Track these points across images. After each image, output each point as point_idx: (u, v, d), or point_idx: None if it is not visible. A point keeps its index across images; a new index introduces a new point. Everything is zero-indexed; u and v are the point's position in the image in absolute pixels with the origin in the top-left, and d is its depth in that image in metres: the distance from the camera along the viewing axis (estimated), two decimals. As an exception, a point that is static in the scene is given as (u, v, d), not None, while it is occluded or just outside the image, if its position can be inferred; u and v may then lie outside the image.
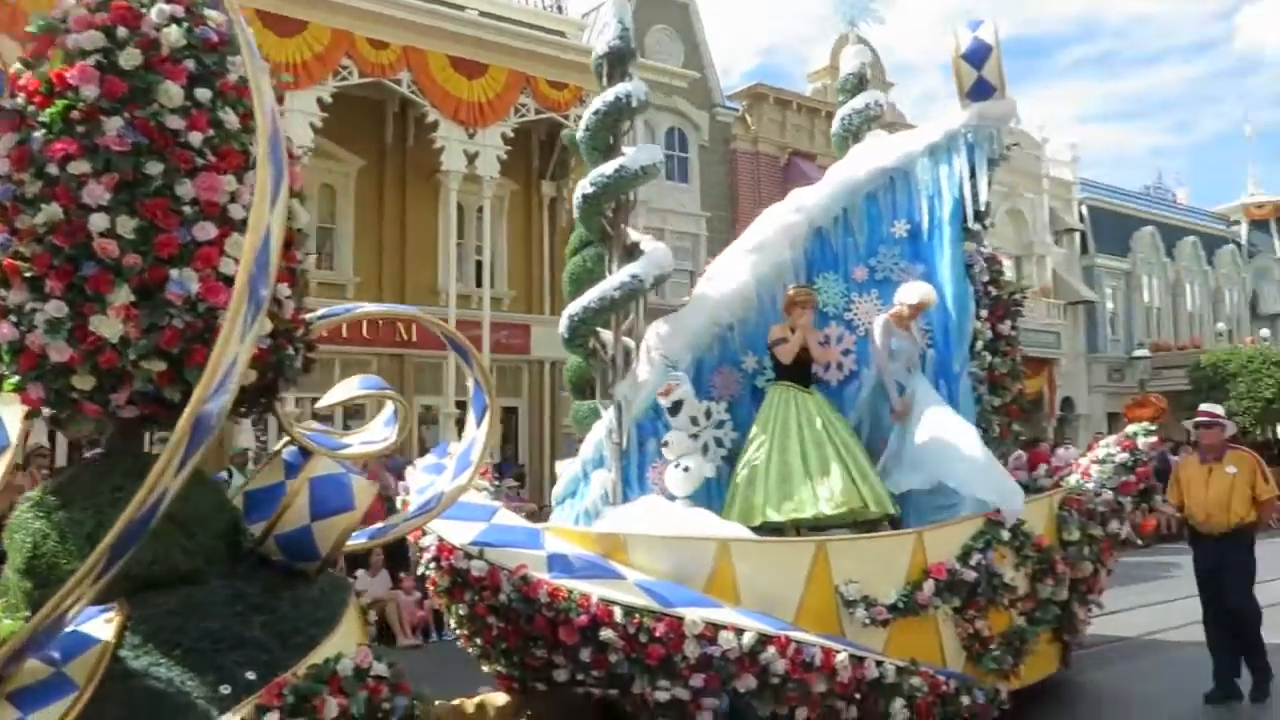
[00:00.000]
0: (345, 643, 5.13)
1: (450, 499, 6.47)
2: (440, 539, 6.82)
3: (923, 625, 7.09)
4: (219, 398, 4.06)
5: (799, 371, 8.27)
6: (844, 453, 7.85)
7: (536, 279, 22.23)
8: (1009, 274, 31.48)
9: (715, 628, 6.38)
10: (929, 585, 7.05)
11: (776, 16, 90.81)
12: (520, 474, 19.53)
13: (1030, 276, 32.25)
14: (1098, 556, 8.34)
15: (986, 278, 8.82)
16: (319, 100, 18.35)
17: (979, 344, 8.59)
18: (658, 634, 6.34)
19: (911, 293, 8.33)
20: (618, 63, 8.83)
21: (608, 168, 8.42)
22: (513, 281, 21.81)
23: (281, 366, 5.33)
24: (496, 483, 8.51)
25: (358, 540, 6.46)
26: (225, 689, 4.46)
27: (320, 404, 6.51)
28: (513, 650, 6.86)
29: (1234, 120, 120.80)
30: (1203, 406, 8.80)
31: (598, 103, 8.67)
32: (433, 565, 6.88)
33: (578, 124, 21.08)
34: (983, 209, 8.80)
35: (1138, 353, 32.53)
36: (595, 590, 6.48)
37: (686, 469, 7.84)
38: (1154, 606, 11.15)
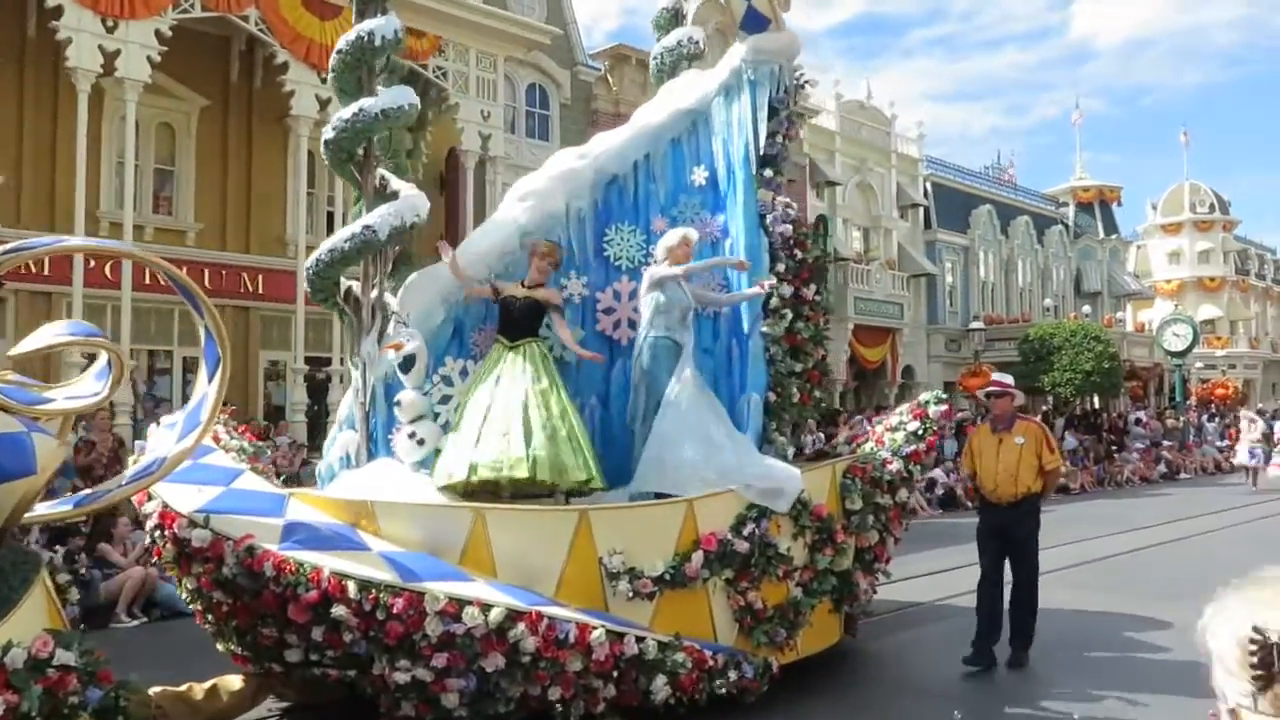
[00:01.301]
0: (22, 628, 4.35)
1: (173, 463, 5.61)
2: (165, 505, 5.93)
3: (692, 598, 6.46)
4: None
5: (521, 325, 7.31)
6: (533, 414, 6.87)
7: (389, 231, 21.17)
8: (858, 244, 31.88)
9: (460, 603, 5.65)
10: (698, 557, 6.41)
11: None
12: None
13: (878, 248, 32.22)
14: (885, 525, 7.84)
15: (785, 229, 8.22)
16: (157, 32, 16.97)
17: (773, 301, 7.71)
18: (396, 610, 5.57)
19: (670, 236, 7.53)
20: (366, 0, 7.88)
21: (346, 111, 7.55)
22: (367, 235, 20.64)
23: None
24: (259, 443, 7.52)
25: (61, 507, 5.58)
26: None
27: (14, 351, 5.54)
28: (244, 629, 6.02)
29: (1065, 106, 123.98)
30: (994, 375, 8.38)
31: (341, 41, 7.76)
32: (157, 534, 6.00)
33: (437, 73, 20.51)
34: (774, 153, 7.91)
35: (973, 325, 32.92)
36: (328, 562, 5.67)
37: (421, 440, 7.00)
38: (949, 572, 10.71)
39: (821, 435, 16.38)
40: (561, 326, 7.50)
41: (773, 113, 7.89)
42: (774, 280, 7.65)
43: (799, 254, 8.36)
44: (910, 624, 9.48)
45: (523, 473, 6.64)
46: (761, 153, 7.88)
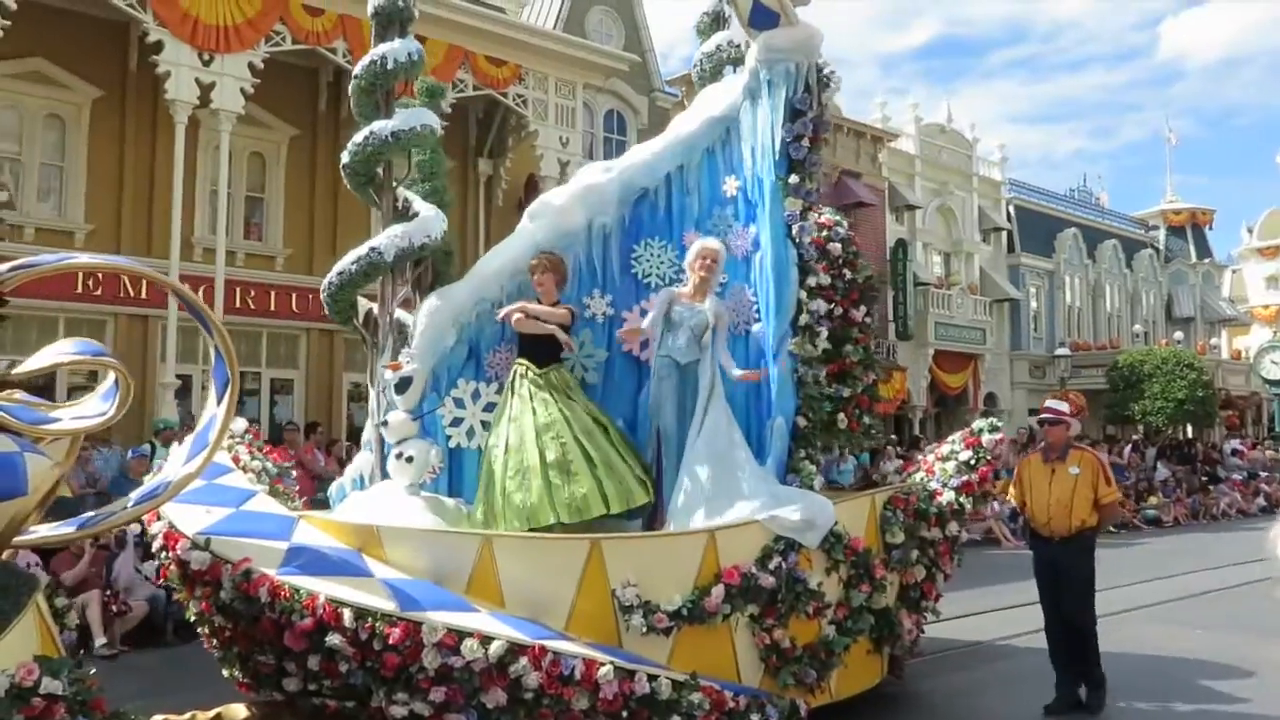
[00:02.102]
0: (10, 655, 4.05)
1: (178, 486, 5.31)
2: (171, 526, 5.66)
3: (713, 635, 5.94)
4: None
5: (541, 347, 6.81)
6: (585, 444, 6.46)
7: (472, 258, 21.08)
8: (939, 269, 30.93)
9: (459, 635, 5.24)
10: (718, 591, 5.88)
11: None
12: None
13: (959, 273, 31.27)
14: (933, 560, 7.24)
15: (835, 248, 7.71)
16: (250, 65, 17.29)
17: (803, 318, 6.97)
18: (392, 641, 5.18)
19: (691, 249, 7.02)
20: (386, 23, 7.69)
21: (359, 135, 7.35)
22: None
23: None
24: (283, 464, 7.20)
25: (64, 529, 5.30)
26: None
27: (19, 369, 5.33)
28: (245, 655, 5.71)
29: (1153, 127, 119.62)
30: (1047, 402, 7.73)
31: (358, 66, 7.58)
32: (163, 555, 5.73)
33: (517, 101, 20.42)
34: (801, 158, 7.12)
35: (1059, 351, 31.73)
36: (325, 589, 5.31)
37: (410, 458, 6.61)
38: (1019, 609, 9.90)
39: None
40: (569, 342, 6.99)
41: (797, 115, 7.18)
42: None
43: (848, 274, 7.83)
44: (965, 665, 8.76)
45: (548, 519, 6.29)
46: (790, 158, 7.20)
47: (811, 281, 7.03)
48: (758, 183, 7.26)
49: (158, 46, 16.84)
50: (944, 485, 7.41)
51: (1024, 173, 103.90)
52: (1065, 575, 7.36)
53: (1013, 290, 32.68)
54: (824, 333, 6.99)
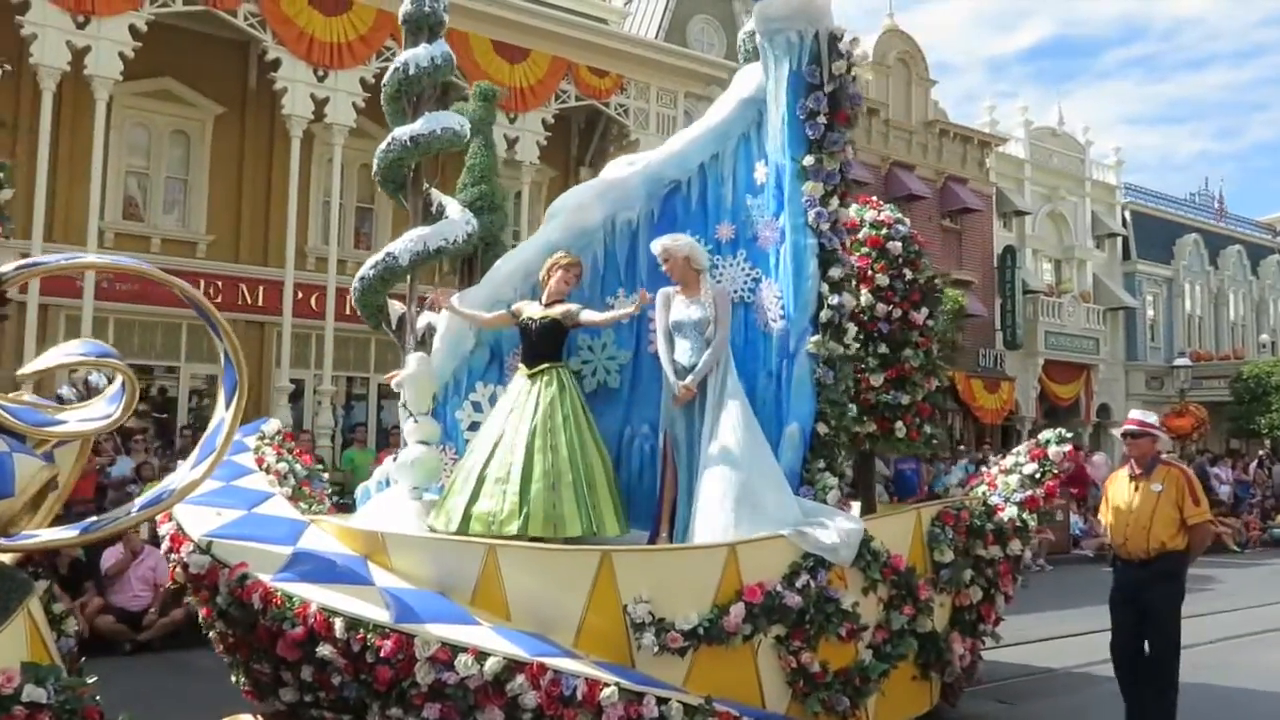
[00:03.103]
0: None
1: (182, 493, 5.05)
2: (178, 528, 5.41)
3: (735, 656, 5.38)
4: None
5: (539, 349, 6.28)
6: (535, 458, 5.88)
7: (578, 266, 20.91)
8: (1049, 276, 29.48)
9: (453, 650, 4.84)
10: (738, 609, 5.30)
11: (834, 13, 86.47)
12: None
13: (1070, 280, 29.78)
14: (991, 581, 6.55)
15: (895, 246, 7.09)
16: (361, 80, 17.51)
17: (824, 314, 6.13)
18: (384, 653, 4.81)
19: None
20: (415, 29, 7.43)
21: (384, 141, 7.11)
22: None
23: None
24: (313, 466, 6.92)
25: (67, 533, 5.08)
26: None
27: (23, 370, 5.14)
28: (246, 662, 5.42)
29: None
30: (1132, 414, 6.95)
31: (387, 74, 7.36)
32: (171, 557, 5.48)
33: (618, 111, 20.14)
34: (817, 137, 6.24)
35: (1178, 361, 29.69)
36: (319, 597, 4.97)
37: (409, 465, 6.25)
38: (1096, 635, 8.94)
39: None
40: (590, 315, 6.39)
41: (811, 90, 6.31)
42: (649, 297, 6.20)
43: (909, 274, 7.22)
44: (1029, 694, 7.91)
45: (512, 530, 5.70)
46: (807, 138, 6.33)
47: (834, 273, 6.20)
48: (777, 167, 6.53)
49: (276, 64, 17.13)
50: (1006, 500, 6.72)
51: (1141, 176, 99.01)
52: (1145, 603, 6.58)
53: (1128, 298, 30.93)
54: (851, 328, 6.32)
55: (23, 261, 4.74)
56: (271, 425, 6.74)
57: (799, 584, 5.50)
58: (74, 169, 16.55)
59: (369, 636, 4.83)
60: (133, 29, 16.15)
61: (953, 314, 22.09)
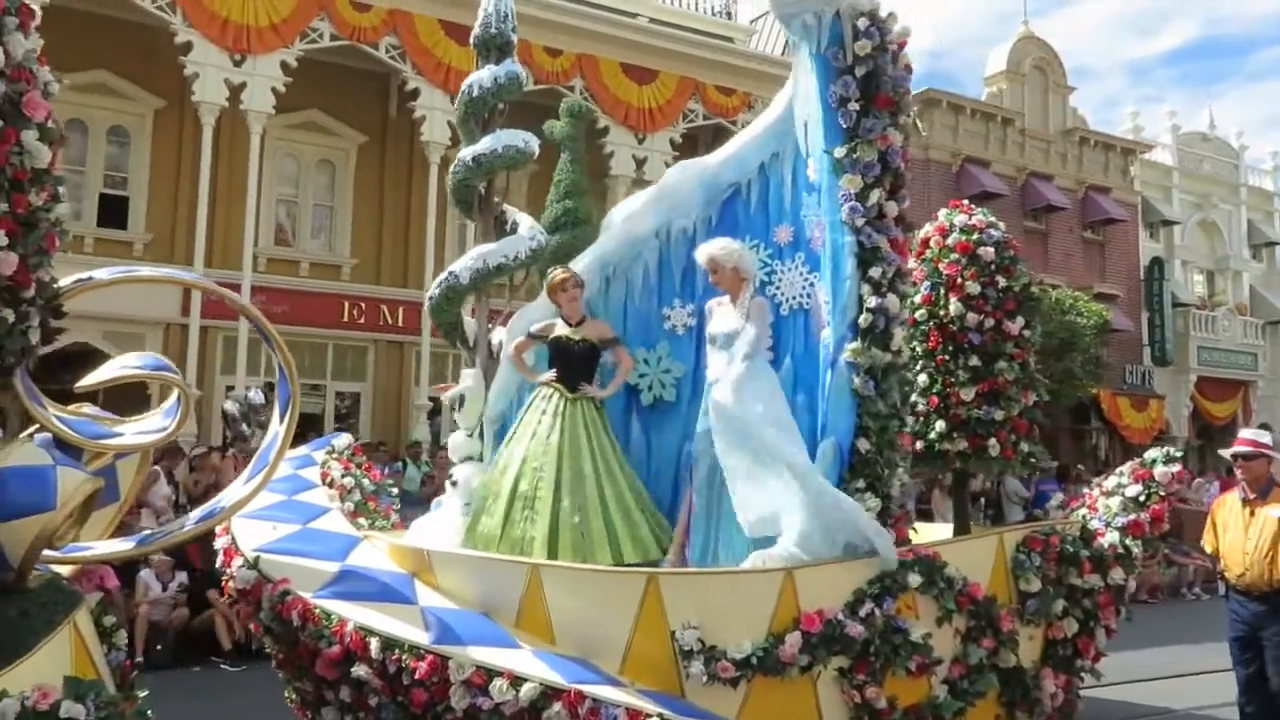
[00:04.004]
0: (36, 676, 3.68)
1: (235, 506, 4.93)
2: (232, 541, 5.30)
3: (793, 689, 4.88)
4: None
5: (582, 371, 5.92)
6: (584, 487, 5.53)
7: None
8: (1200, 288, 27.56)
9: (489, 674, 4.56)
10: (794, 638, 4.83)
11: (944, 19, 78.40)
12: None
13: (1224, 292, 27.76)
14: (1089, 613, 5.89)
15: (987, 252, 6.49)
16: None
17: (863, 318, 5.40)
18: (419, 675, 4.54)
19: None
20: (485, 51, 7.28)
21: (453, 164, 7.07)
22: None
23: None
24: (382, 481, 6.73)
25: (123, 545, 5.02)
26: None
27: (81, 383, 5.10)
28: (292, 679, 5.25)
29: None
30: (1243, 433, 6.19)
31: (457, 98, 7.33)
32: (225, 571, 5.37)
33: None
34: (848, 126, 5.53)
35: (1346, 374, 27.46)
36: (357, 615, 4.74)
37: (455, 482, 6.00)
38: (1218, 674, 7.57)
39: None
40: (624, 356, 6.08)
41: (837, 75, 5.61)
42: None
43: (1002, 281, 6.61)
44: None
45: (541, 557, 5.37)
46: (840, 127, 5.63)
47: (875, 273, 5.47)
48: (819, 160, 5.86)
49: (415, 94, 17.50)
50: (1107, 525, 6.05)
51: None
52: (1267, 641, 5.84)
53: (1289, 310, 28.71)
54: (895, 334, 5.54)
55: (78, 276, 4.69)
56: (342, 440, 6.64)
57: (863, 612, 5.00)
58: (230, 198, 17.18)
59: (404, 657, 4.59)
60: (284, 65, 16.73)
61: (1096, 329, 20.87)
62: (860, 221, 5.46)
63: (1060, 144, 25.42)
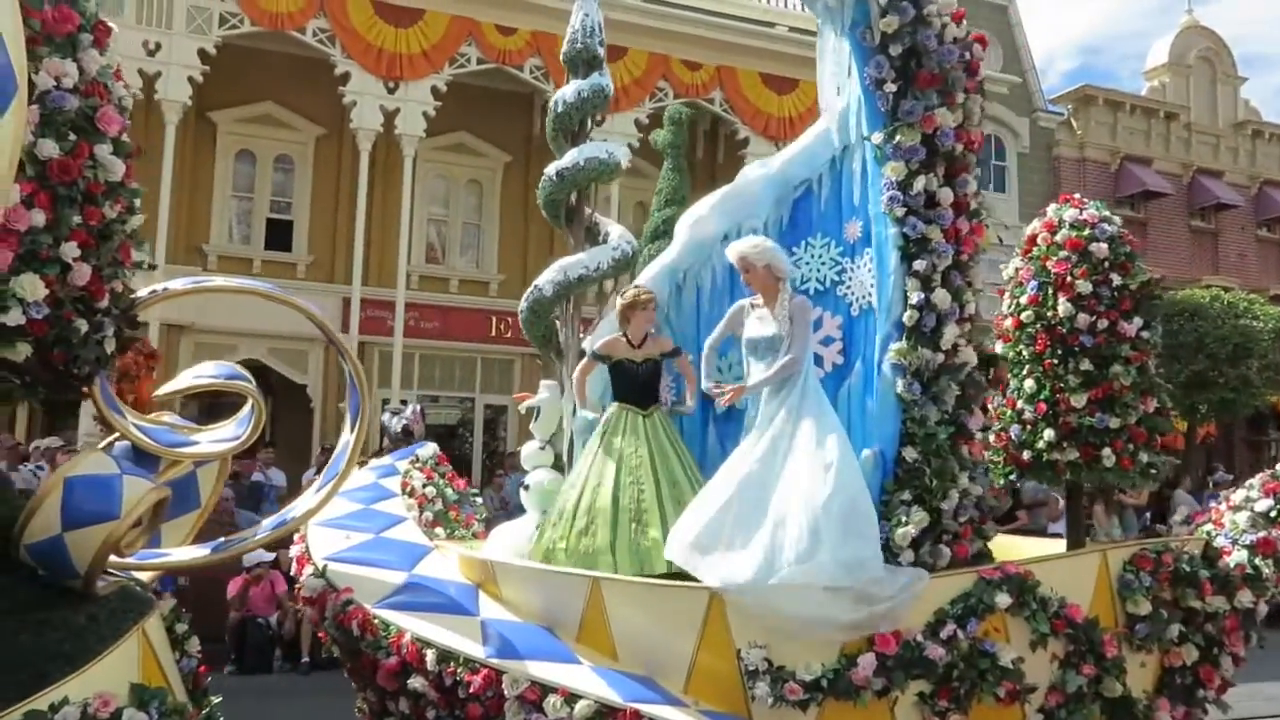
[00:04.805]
0: (101, 683, 3.67)
1: (306, 515, 4.95)
2: (305, 549, 5.29)
3: (869, 714, 4.50)
4: None
5: (650, 390, 5.62)
6: (666, 494, 5.20)
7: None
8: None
9: (543, 689, 4.38)
10: (868, 660, 4.46)
11: (1098, 12, 73.36)
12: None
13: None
14: (1212, 639, 5.28)
15: (1100, 248, 5.93)
16: (636, 121, 17.76)
17: (907, 314, 4.91)
18: (474, 689, 4.41)
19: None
20: (574, 67, 7.16)
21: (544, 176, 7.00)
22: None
23: (70, 343, 3.93)
24: (465, 490, 6.62)
25: (197, 553, 5.05)
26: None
27: (159, 391, 5.17)
28: (359, 689, 5.18)
29: None
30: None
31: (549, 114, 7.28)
32: (298, 580, 5.37)
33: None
34: (886, 109, 5.08)
35: None
36: (416, 626, 4.64)
37: (526, 486, 5.86)
38: None
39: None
40: (687, 366, 5.75)
41: (869, 56, 5.12)
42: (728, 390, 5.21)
43: (1117, 279, 6.03)
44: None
45: (603, 567, 5.07)
46: (879, 111, 5.16)
47: (920, 266, 4.92)
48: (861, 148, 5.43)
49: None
50: (1233, 542, 5.40)
51: None
52: None
53: None
54: (946, 332, 4.95)
55: (153, 287, 4.78)
56: (427, 449, 6.61)
57: (944, 634, 4.58)
58: (385, 219, 17.74)
59: (459, 670, 4.46)
60: (434, 90, 17.20)
61: (1275, 333, 19.28)
62: (901, 211, 4.96)
63: (1231, 138, 23.61)
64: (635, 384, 5.60)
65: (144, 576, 4.80)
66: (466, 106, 18.25)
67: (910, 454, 4.83)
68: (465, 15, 17.20)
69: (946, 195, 4.95)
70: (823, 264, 5.71)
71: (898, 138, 4.99)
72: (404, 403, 15.39)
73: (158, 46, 15.65)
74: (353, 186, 17.47)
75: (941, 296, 4.87)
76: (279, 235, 18.20)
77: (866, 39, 5.11)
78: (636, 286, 5.80)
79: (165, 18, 15.73)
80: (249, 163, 18.14)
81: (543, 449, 6.22)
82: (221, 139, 17.73)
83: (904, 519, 4.70)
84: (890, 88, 5.02)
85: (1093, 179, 21.96)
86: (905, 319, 4.91)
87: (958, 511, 4.75)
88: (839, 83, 5.63)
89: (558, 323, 6.92)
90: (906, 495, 4.76)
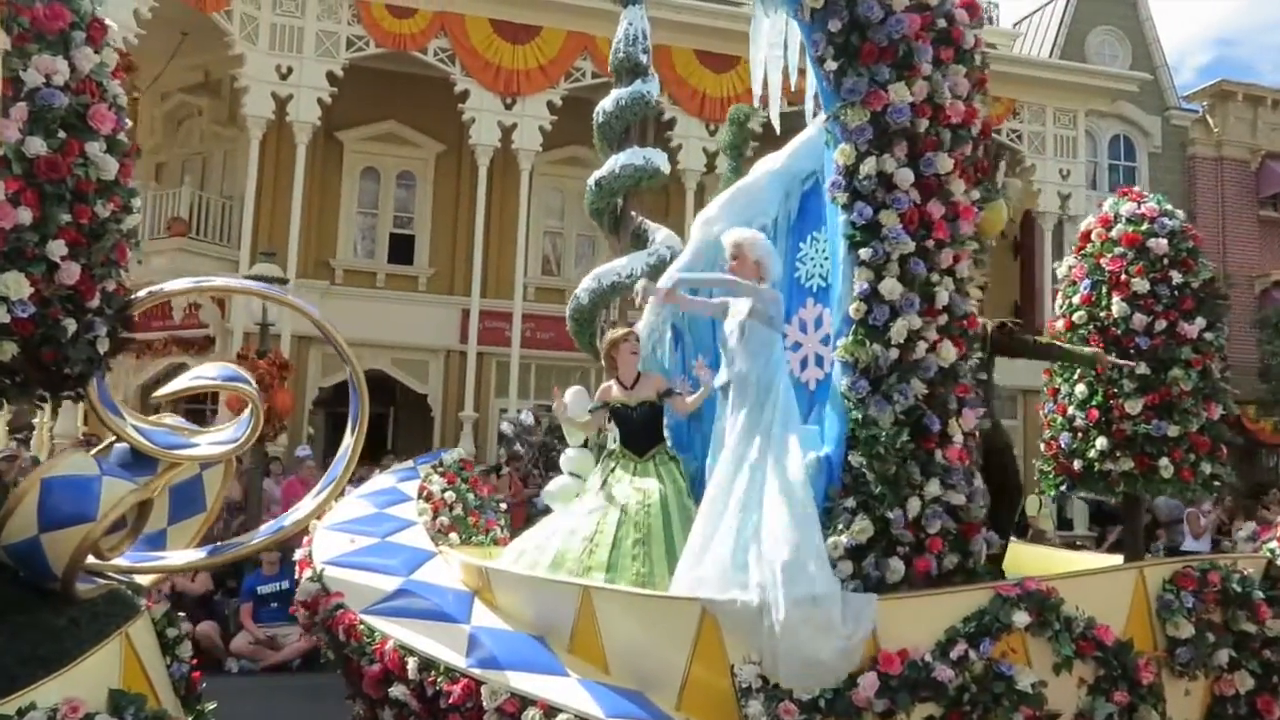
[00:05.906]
0: (75, 688, 3.62)
1: (304, 519, 4.88)
2: (308, 552, 5.19)
3: (873, 737, 4.13)
4: None
5: (648, 433, 5.32)
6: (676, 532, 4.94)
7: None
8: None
9: (522, 702, 4.16)
10: (869, 681, 4.06)
11: (1235, 4, 66.77)
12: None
13: None
14: (1273, 666, 4.63)
15: (1159, 244, 5.36)
16: (549, 104, 17.33)
17: (853, 306, 4.34)
18: (453, 699, 4.21)
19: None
20: (619, 76, 7.32)
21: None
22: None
23: (59, 342, 3.88)
24: (488, 497, 6.43)
25: (192, 556, 4.97)
26: None
27: (159, 393, 5.11)
28: (352, 696, 5.00)
29: None
30: None
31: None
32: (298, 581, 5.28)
33: (1011, 137, 18.25)
34: (830, 90, 4.52)
35: None
36: (398, 633, 4.48)
37: (554, 491, 5.86)
38: None
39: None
40: (683, 402, 5.36)
41: (809, 34, 4.57)
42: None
43: (1177, 277, 5.44)
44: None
45: (598, 580, 4.83)
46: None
47: (865, 255, 4.33)
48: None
49: (671, 123, 17.59)
50: (1295, 561, 4.76)
51: None
52: None
53: None
54: (904, 327, 4.32)
55: (152, 288, 4.73)
56: (451, 455, 6.47)
57: (955, 654, 4.14)
58: (502, 232, 17.90)
59: (439, 679, 4.28)
60: (549, 104, 17.28)
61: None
62: (845, 197, 4.44)
63: (1304, 119, 21.56)
64: (630, 429, 5.35)
65: (145, 580, 4.74)
66: (579, 120, 18.20)
67: (854, 459, 4.31)
68: (581, 30, 17.21)
69: (905, 177, 4.36)
70: (825, 259, 5.23)
71: (847, 118, 4.45)
72: (519, 411, 15.50)
73: (289, 70, 16.19)
74: (471, 201, 17.68)
75: (890, 286, 4.28)
76: (401, 249, 18.58)
77: (799, 14, 4.63)
78: (613, 324, 5.58)
79: (297, 42, 16.28)
80: (373, 180, 18.61)
81: (578, 453, 6.04)
82: (348, 158, 18.23)
83: (841, 527, 4.24)
84: (830, 65, 4.50)
85: (1231, 179, 20.38)
86: (851, 311, 4.37)
87: (922, 521, 4.26)
88: (778, 66, 5.27)
89: (604, 328, 6.77)
90: (851, 503, 4.29)
